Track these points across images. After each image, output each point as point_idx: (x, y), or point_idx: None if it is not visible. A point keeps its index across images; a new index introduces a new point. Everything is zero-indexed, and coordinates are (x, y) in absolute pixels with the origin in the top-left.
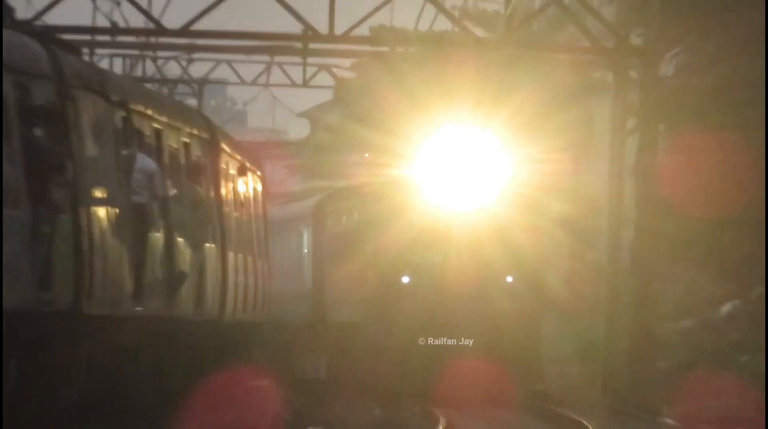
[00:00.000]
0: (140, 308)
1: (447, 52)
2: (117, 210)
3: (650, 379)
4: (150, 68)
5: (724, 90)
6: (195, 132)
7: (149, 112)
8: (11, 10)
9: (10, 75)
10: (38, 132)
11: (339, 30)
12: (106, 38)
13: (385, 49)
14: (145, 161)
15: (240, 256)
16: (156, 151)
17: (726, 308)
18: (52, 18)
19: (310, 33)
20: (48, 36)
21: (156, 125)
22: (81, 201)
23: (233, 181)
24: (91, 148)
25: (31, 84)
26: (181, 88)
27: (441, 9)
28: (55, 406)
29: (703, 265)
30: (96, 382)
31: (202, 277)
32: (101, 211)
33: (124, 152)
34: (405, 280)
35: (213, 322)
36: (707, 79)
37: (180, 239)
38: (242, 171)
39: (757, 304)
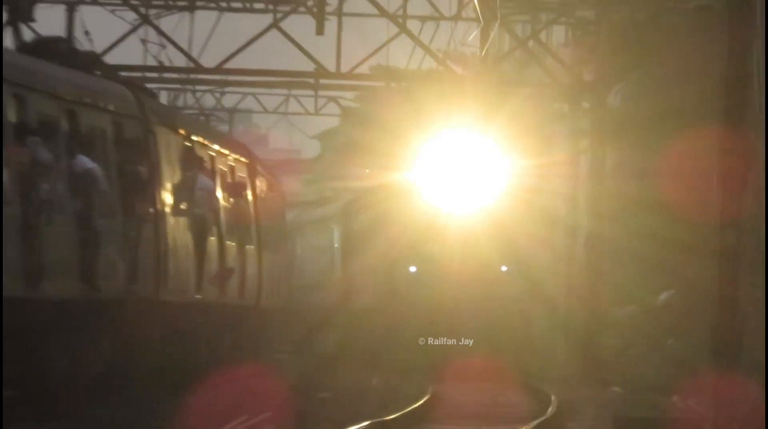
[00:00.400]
0: (199, 296)
1: (433, 86)
2: (184, 219)
3: (602, 356)
4: (190, 99)
5: (660, 118)
6: (238, 157)
7: (206, 141)
8: (103, 61)
9: (108, 115)
10: (129, 159)
11: (344, 68)
12: (154, 75)
13: (382, 83)
14: (204, 181)
15: (270, 254)
16: (211, 172)
17: (663, 297)
18: (110, 58)
19: (320, 71)
20: (134, 83)
21: (211, 152)
22: (159, 212)
23: (264, 194)
24: (166, 171)
25: (123, 122)
26: (215, 115)
27: (428, 51)
28: (138, 369)
29: (645, 260)
30: (168, 352)
31: (244, 271)
32: (173, 220)
33: (189, 173)
34: (412, 269)
35: (252, 307)
36: (646, 108)
37: (228, 242)
38: (270, 187)
39: (689, 294)
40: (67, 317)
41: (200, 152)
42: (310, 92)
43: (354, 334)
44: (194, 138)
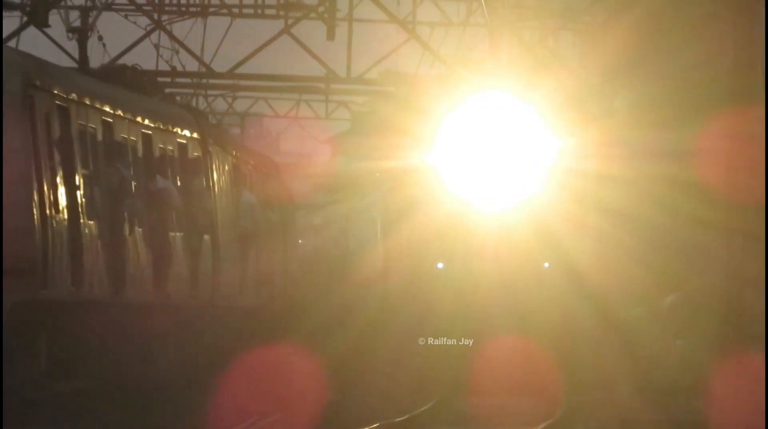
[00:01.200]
0: (242, 301)
1: (442, 90)
2: (234, 232)
3: (609, 357)
4: (202, 103)
5: (662, 122)
6: (269, 171)
7: (246, 157)
8: (161, 86)
9: (176, 137)
10: (191, 176)
11: (355, 73)
12: (167, 80)
13: (392, 88)
14: (247, 195)
15: (291, 260)
16: (251, 186)
17: (669, 299)
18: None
19: (331, 76)
20: (193, 107)
21: (250, 167)
22: (215, 225)
23: (286, 202)
24: (219, 187)
25: (187, 143)
26: (227, 119)
27: (436, 56)
28: (194, 357)
29: (651, 263)
30: (217, 345)
31: (272, 277)
32: (225, 232)
33: (236, 189)
34: (440, 266)
35: (277, 307)
36: (649, 111)
37: (263, 252)
38: (289, 194)
39: (695, 296)
40: (142, 320)
41: (243, 169)
42: (321, 97)
43: (366, 340)
44: (238, 155)
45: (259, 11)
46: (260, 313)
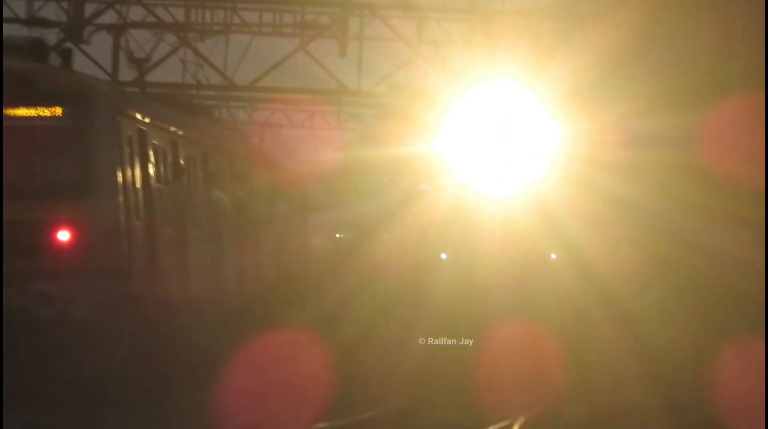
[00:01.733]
0: (262, 298)
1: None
2: (270, 234)
3: (617, 350)
4: (224, 114)
5: (656, 131)
6: (293, 181)
7: (278, 170)
8: (210, 109)
9: (228, 154)
10: (240, 188)
11: (365, 86)
12: (192, 92)
13: (400, 100)
14: (281, 204)
15: (308, 256)
16: (282, 196)
17: (650, 297)
18: (153, 77)
19: (343, 89)
20: (237, 128)
21: (281, 179)
22: (258, 230)
23: (305, 206)
24: (261, 197)
25: (235, 159)
26: (247, 129)
27: (440, 72)
28: (239, 344)
29: (633, 260)
30: (250, 334)
31: (296, 274)
32: (265, 236)
33: (273, 198)
34: (443, 256)
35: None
36: (646, 120)
37: (291, 251)
38: (308, 199)
39: (674, 294)
40: (201, 313)
41: (276, 180)
42: (334, 108)
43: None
44: (273, 169)
45: (277, 30)
46: (281, 304)
